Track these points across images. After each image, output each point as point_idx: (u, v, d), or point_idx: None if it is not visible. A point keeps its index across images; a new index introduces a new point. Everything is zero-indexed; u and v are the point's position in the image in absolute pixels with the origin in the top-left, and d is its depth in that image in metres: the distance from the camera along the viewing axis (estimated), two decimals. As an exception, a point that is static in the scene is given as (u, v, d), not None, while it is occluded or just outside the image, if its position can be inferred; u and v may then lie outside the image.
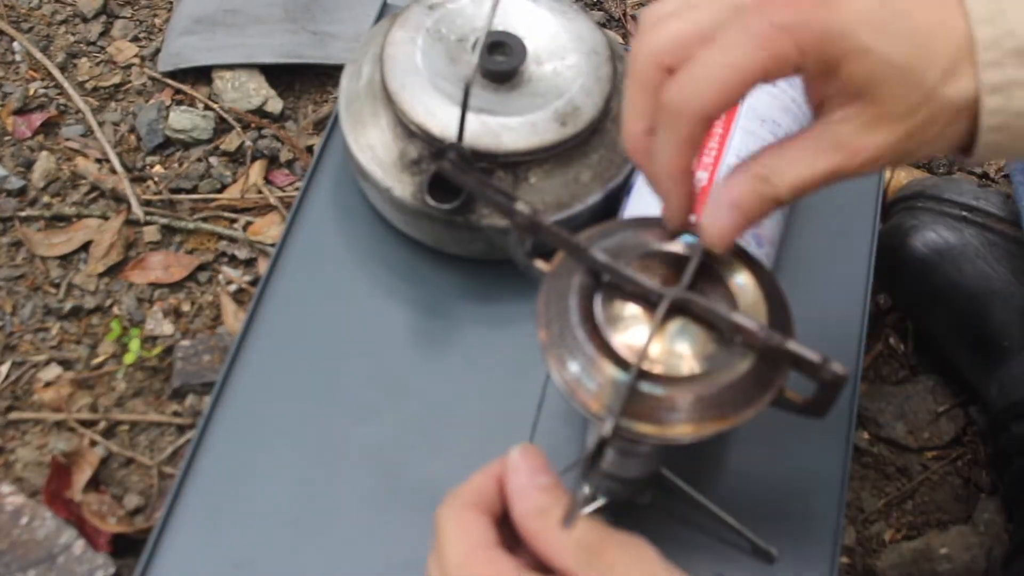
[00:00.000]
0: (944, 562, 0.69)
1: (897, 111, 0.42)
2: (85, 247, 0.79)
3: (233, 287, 0.78)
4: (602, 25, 0.92)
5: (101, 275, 0.78)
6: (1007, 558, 0.68)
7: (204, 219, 0.81)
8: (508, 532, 0.43)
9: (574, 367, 0.43)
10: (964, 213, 0.75)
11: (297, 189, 0.79)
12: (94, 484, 0.69)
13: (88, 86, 0.87)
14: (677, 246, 0.48)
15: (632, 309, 0.45)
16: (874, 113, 0.42)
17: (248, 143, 0.84)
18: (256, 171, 0.83)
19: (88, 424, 0.71)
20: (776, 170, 0.44)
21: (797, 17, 0.41)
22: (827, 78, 0.43)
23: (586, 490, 0.43)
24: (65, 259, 0.78)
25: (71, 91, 0.86)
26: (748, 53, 0.41)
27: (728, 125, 0.63)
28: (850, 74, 0.42)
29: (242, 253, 0.79)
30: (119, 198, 0.81)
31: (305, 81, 0.88)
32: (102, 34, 0.90)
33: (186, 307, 0.77)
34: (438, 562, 0.42)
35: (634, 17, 0.96)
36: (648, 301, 0.45)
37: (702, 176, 0.61)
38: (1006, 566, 0.68)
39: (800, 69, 0.43)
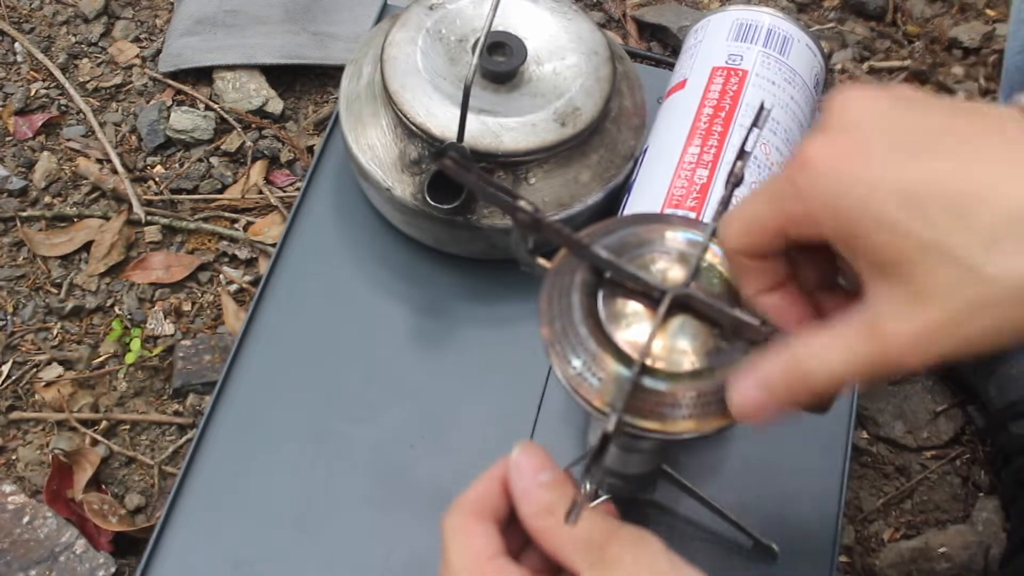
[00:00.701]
0: (942, 561, 0.69)
1: (933, 291, 0.36)
2: (86, 247, 0.79)
3: (234, 287, 0.78)
4: (602, 26, 0.92)
5: (102, 275, 0.78)
6: (1005, 557, 0.68)
7: (205, 219, 0.81)
8: (517, 533, 0.43)
9: (577, 363, 0.44)
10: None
11: (297, 189, 0.79)
12: (95, 483, 0.69)
13: (89, 87, 0.87)
14: (679, 243, 0.48)
15: (634, 306, 0.45)
16: (907, 293, 0.37)
17: (249, 143, 0.84)
18: (257, 171, 0.83)
19: (89, 424, 0.71)
20: (816, 354, 0.39)
21: (812, 181, 0.38)
22: (851, 250, 0.38)
23: (588, 487, 0.43)
24: (66, 259, 0.79)
25: (72, 92, 0.86)
26: (766, 209, 0.40)
27: (727, 122, 0.63)
28: (874, 248, 0.37)
29: (243, 253, 0.79)
30: (120, 198, 0.81)
31: (306, 82, 0.88)
32: (103, 35, 0.90)
33: (187, 307, 0.77)
34: (445, 573, 0.43)
35: (634, 18, 0.96)
36: (650, 298, 0.45)
37: (702, 173, 0.61)
38: (1004, 565, 0.68)
39: (819, 235, 0.39)
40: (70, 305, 0.76)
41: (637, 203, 0.64)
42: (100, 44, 0.90)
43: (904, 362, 0.37)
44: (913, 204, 0.36)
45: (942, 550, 0.70)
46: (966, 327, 0.36)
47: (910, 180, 0.36)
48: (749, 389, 0.41)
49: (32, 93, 0.86)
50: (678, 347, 0.44)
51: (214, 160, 0.84)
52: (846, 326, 0.39)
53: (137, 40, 0.90)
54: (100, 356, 0.74)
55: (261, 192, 0.82)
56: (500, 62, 0.66)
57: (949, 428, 0.76)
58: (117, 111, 0.86)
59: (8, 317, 0.75)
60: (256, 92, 0.86)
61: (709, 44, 0.68)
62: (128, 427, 0.72)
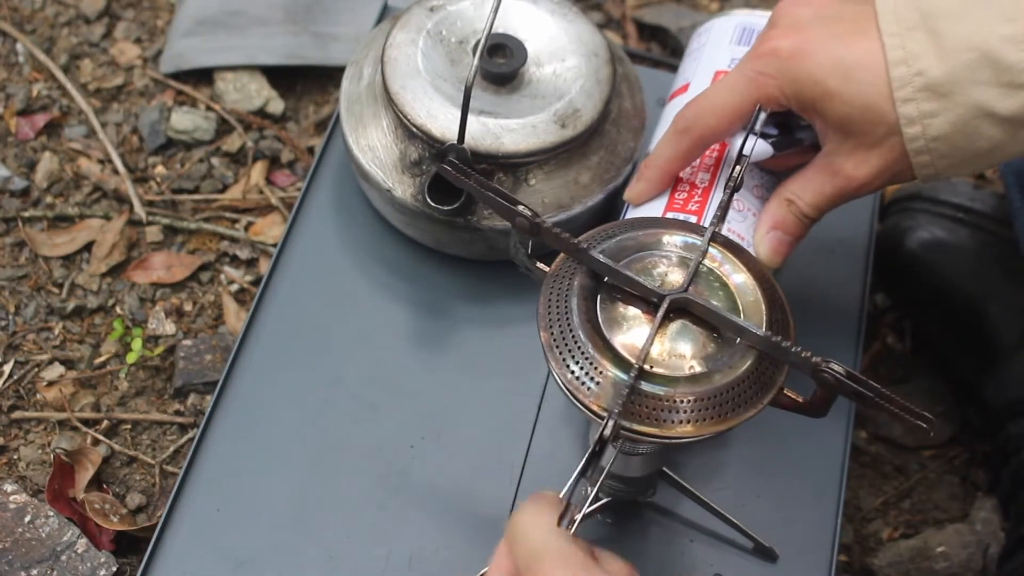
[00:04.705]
0: (941, 560, 0.70)
1: (871, 142, 0.51)
2: (88, 247, 0.79)
3: (235, 287, 0.78)
4: (601, 27, 0.92)
5: (104, 275, 0.78)
6: (1003, 555, 0.69)
7: (206, 219, 0.81)
8: None
9: (575, 368, 0.44)
10: (959, 214, 0.76)
11: (298, 190, 0.79)
12: (97, 483, 0.69)
13: (91, 87, 0.87)
14: (678, 247, 0.48)
15: (633, 310, 0.45)
16: (855, 144, 0.52)
17: (250, 144, 0.84)
18: (257, 172, 0.84)
19: (91, 423, 0.72)
20: (797, 194, 0.54)
21: (778, 66, 0.52)
22: (811, 114, 0.53)
23: (588, 490, 0.44)
24: (68, 259, 0.79)
25: (74, 92, 0.86)
26: (742, 92, 0.53)
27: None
28: (826, 112, 0.51)
29: (243, 253, 0.79)
30: (121, 198, 0.81)
31: (306, 82, 0.89)
32: (104, 36, 0.90)
33: (188, 307, 0.77)
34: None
35: (634, 19, 0.96)
36: (649, 302, 0.45)
37: (704, 177, 0.61)
38: (1002, 563, 0.68)
39: (786, 106, 0.53)
40: (72, 305, 0.76)
41: (639, 207, 0.64)
42: (101, 45, 0.90)
43: (862, 192, 0.53)
44: (849, 77, 0.50)
45: (940, 549, 0.70)
46: (900, 163, 0.51)
47: (846, 58, 0.50)
48: (768, 235, 0.55)
49: (34, 94, 0.86)
50: (677, 351, 0.44)
51: (215, 160, 0.84)
52: (818, 169, 0.54)
53: (138, 41, 0.90)
54: (101, 356, 0.75)
55: (262, 192, 0.83)
56: (500, 64, 0.66)
57: (948, 428, 0.76)
58: (118, 112, 0.86)
59: (10, 317, 0.76)
60: (257, 93, 0.86)
61: (712, 48, 0.68)
62: (129, 427, 0.72)
